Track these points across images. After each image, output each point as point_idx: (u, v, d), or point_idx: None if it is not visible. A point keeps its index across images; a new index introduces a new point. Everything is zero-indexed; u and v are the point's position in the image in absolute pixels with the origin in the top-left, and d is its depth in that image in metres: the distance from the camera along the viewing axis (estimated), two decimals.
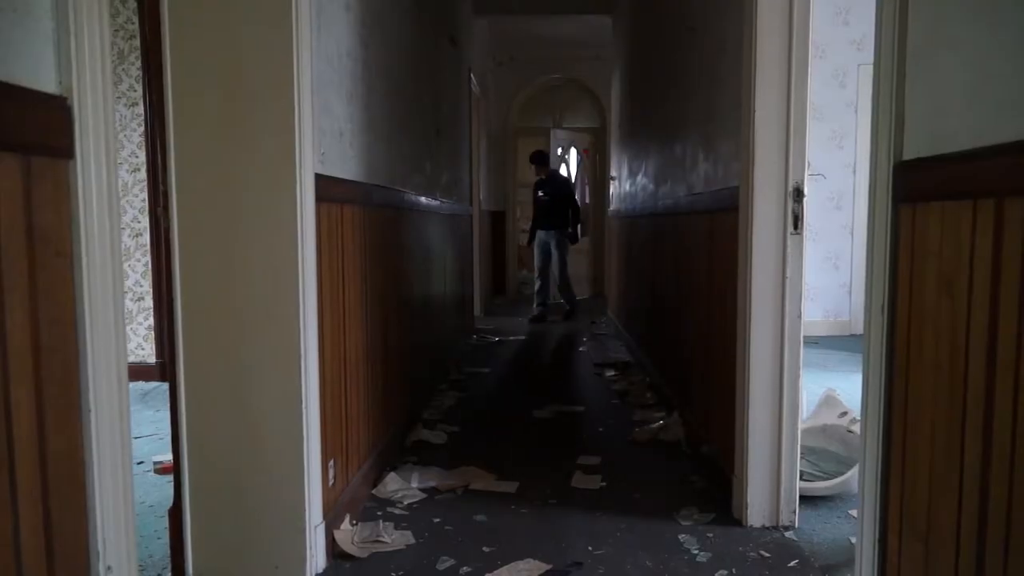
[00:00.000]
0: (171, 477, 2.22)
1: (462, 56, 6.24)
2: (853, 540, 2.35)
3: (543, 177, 7.66)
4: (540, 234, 7.70)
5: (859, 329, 6.28)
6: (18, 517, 1.06)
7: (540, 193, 7.60)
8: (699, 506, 2.74)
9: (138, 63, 4.60)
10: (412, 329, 3.87)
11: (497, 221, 9.82)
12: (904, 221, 1.51)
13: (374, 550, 2.39)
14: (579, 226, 7.88)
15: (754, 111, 2.45)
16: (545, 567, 2.28)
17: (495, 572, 2.26)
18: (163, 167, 2.09)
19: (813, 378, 4.55)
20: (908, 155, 1.51)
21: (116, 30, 4.60)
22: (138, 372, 4.64)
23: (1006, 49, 1.20)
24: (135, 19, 4.58)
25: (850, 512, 2.66)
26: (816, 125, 6.15)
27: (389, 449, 3.21)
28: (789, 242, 2.48)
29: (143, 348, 4.78)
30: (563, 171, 9.55)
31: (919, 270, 1.46)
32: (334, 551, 2.34)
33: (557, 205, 7.59)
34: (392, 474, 2.98)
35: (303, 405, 2.12)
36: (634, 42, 5.87)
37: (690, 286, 3.58)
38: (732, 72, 2.75)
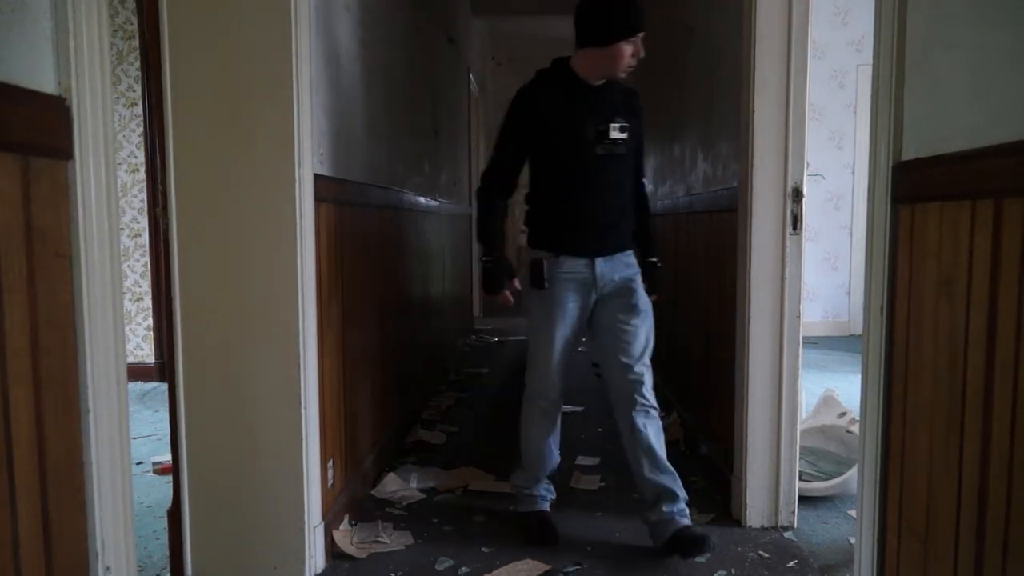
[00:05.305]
0: (170, 478, 2.22)
1: (461, 56, 6.24)
2: (852, 540, 2.35)
3: (608, 81, 2.35)
4: (596, 265, 2.35)
5: (858, 330, 6.31)
6: (17, 517, 1.06)
7: (615, 128, 2.28)
8: (698, 506, 2.74)
9: (137, 63, 4.60)
10: (411, 329, 3.87)
11: None
12: (903, 221, 1.51)
13: (373, 550, 2.39)
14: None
15: (753, 111, 2.45)
16: (544, 567, 2.28)
17: (494, 572, 2.26)
18: (162, 167, 2.08)
19: (812, 378, 4.55)
20: (907, 155, 1.51)
21: (115, 30, 4.60)
22: (137, 372, 4.64)
23: (1005, 50, 1.20)
24: (134, 19, 4.58)
25: (849, 512, 2.66)
26: (815, 125, 6.17)
27: (388, 449, 3.21)
28: (788, 242, 2.48)
29: (142, 348, 4.78)
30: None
31: (918, 270, 1.46)
32: (333, 551, 2.34)
33: (635, 170, 2.47)
34: (391, 474, 2.98)
35: (302, 405, 2.12)
36: None
37: (689, 286, 3.58)
38: (731, 72, 2.75)
